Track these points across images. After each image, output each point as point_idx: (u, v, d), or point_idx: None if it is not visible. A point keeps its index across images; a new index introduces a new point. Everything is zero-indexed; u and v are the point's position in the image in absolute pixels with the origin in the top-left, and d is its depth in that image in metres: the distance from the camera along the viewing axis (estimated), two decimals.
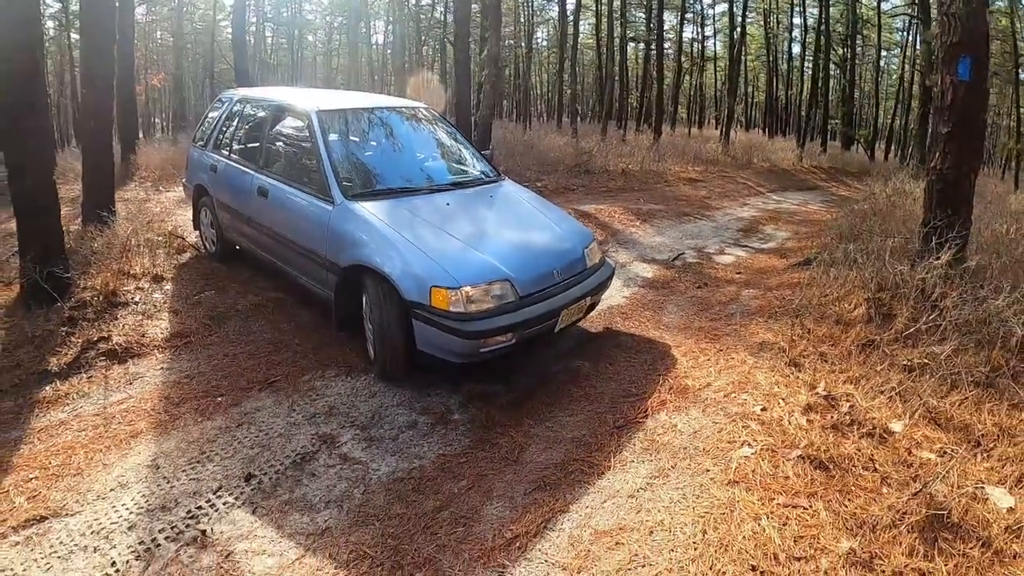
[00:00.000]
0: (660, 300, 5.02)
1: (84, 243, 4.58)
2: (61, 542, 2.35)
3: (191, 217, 5.36)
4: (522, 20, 27.60)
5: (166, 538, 2.36)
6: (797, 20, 24.52)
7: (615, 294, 5.01)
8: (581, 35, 29.90)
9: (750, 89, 32.77)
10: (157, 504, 2.53)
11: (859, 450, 2.69)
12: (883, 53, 24.36)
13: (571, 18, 19.63)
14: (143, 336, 3.74)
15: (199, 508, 2.51)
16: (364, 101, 4.68)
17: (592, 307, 3.88)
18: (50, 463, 2.79)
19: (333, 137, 3.91)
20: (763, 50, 27.97)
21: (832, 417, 2.95)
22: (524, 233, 3.74)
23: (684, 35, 27.83)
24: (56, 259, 3.84)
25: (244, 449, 2.85)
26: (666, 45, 26.52)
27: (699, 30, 28.26)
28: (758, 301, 4.95)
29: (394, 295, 3.17)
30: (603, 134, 17.15)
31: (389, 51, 27.74)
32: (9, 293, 4.06)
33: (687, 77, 30.09)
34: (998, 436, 2.77)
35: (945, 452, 2.67)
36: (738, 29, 19.60)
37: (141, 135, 12.64)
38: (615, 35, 20.38)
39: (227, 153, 4.62)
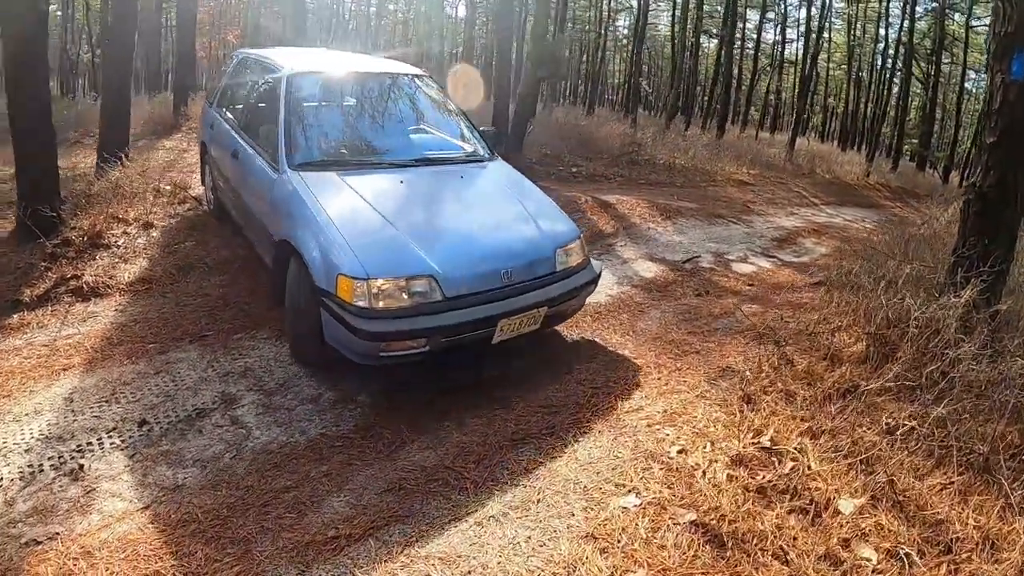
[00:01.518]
0: (647, 304, 4.81)
1: (85, 185, 4.92)
2: None
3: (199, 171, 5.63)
4: (603, 7, 26.98)
5: (51, 465, 2.53)
6: (883, 31, 22.79)
7: (600, 291, 4.83)
8: (662, 27, 28.97)
9: (831, 100, 30.70)
10: (56, 434, 2.71)
11: (779, 528, 2.17)
12: (970, 75, 22.21)
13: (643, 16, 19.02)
14: (111, 278, 3.99)
15: (88, 444, 2.66)
16: (355, 65, 4.48)
17: (560, 316, 3.45)
18: None
19: (302, 101, 3.78)
20: (847, 59, 26.23)
21: (764, 477, 2.44)
22: (479, 223, 3.35)
23: (766, 36, 26.48)
24: (47, 198, 4.15)
25: (151, 396, 2.98)
26: (748, 45, 25.33)
27: (780, 32, 26.76)
28: (754, 319, 4.63)
29: (308, 278, 2.95)
30: (667, 127, 16.62)
31: (463, 25, 27.81)
32: (8, 228, 4.42)
33: (765, 79, 28.62)
34: (977, 544, 2.13)
35: (895, 554, 2.09)
36: (814, 34, 18.39)
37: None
38: (688, 28, 19.58)
39: (222, 112, 4.77)
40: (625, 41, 31.62)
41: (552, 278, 3.24)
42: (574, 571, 2.02)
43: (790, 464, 2.50)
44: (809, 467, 2.48)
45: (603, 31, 26.52)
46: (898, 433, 2.66)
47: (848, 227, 9.31)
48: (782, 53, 26.61)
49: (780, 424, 2.79)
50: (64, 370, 3.17)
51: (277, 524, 2.21)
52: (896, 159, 18.85)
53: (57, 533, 2.19)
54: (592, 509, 2.29)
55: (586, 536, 2.15)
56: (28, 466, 2.53)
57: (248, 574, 2.00)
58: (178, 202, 5.28)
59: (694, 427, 2.83)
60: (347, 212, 3.11)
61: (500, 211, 3.54)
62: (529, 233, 3.35)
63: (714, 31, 22.57)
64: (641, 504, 2.30)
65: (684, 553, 2.08)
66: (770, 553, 2.09)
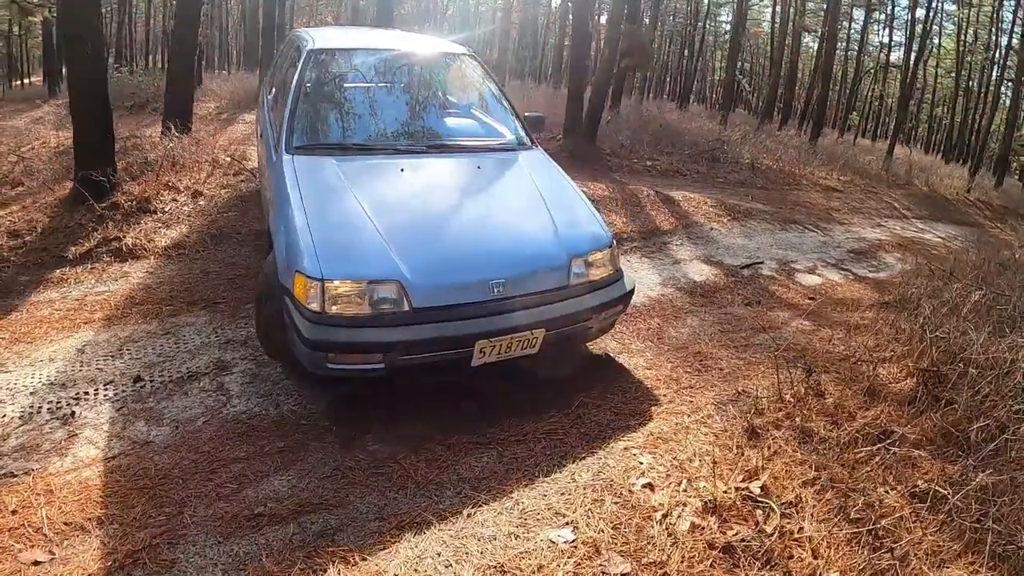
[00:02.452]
0: (686, 309, 4.49)
1: (141, 154, 5.25)
2: None
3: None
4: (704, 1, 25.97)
5: (48, 409, 2.71)
6: (995, 38, 20.43)
7: (638, 292, 4.57)
8: (766, 23, 27.46)
9: (938, 109, 27.88)
10: (61, 381, 2.89)
11: None
12: None
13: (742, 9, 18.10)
14: (150, 242, 4.23)
15: (85, 393, 2.82)
16: (389, 43, 4.18)
17: (572, 339, 3.00)
18: (19, 329, 3.31)
19: (318, 80, 3.59)
20: (956, 67, 23.78)
21: (737, 533, 2.02)
22: (477, 222, 2.95)
23: (872, 38, 24.43)
24: (101, 164, 4.47)
25: (152, 355, 3.12)
26: (852, 46, 23.51)
27: (888, 33, 24.58)
28: (802, 337, 4.20)
29: (274, 270, 2.72)
30: (759, 127, 15.84)
31: (557, 14, 27.56)
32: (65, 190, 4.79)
33: (871, 83, 26.44)
34: None
35: None
36: (919, 37, 16.76)
37: None
38: (789, 25, 18.42)
39: (268, 91, 4.86)
40: (726, 36, 30.41)
41: (562, 294, 2.77)
42: None
43: (776, 521, 2.06)
44: (800, 528, 2.03)
45: (700, 24, 25.52)
46: (927, 499, 2.16)
47: (938, 245, 8.44)
48: (888, 56, 24.55)
49: (782, 468, 2.34)
50: (85, 323, 3.38)
51: (216, 492, 2.23)
52: (1001, 176, 16.99)
53: (33, 469, 2.33)
54: (518, 536, 2.05)
55: (495, 567, 1.92)
56: (29, 407, 2.72)
57: (171, 534, 2.03)
58: (233, 173, 5.53)
59: (676, 458, 2.46)
60: (325, 202, 2.81)
61: (511, 209, 3.11)
62: (539, 237, 2.89)
63: (816, 29, 21.16)
64: (574, 541, 2.01)
65: None
66: None
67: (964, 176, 14.99)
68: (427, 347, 2.50)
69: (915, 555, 1.94)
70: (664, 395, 3.10)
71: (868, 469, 2.33)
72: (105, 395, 2.81)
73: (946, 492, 2.16)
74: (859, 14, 23.35)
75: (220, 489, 2.25)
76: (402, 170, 3.14)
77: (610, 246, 3.01)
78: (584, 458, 2.49)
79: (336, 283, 2.44)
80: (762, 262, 5.92)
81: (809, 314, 4.76)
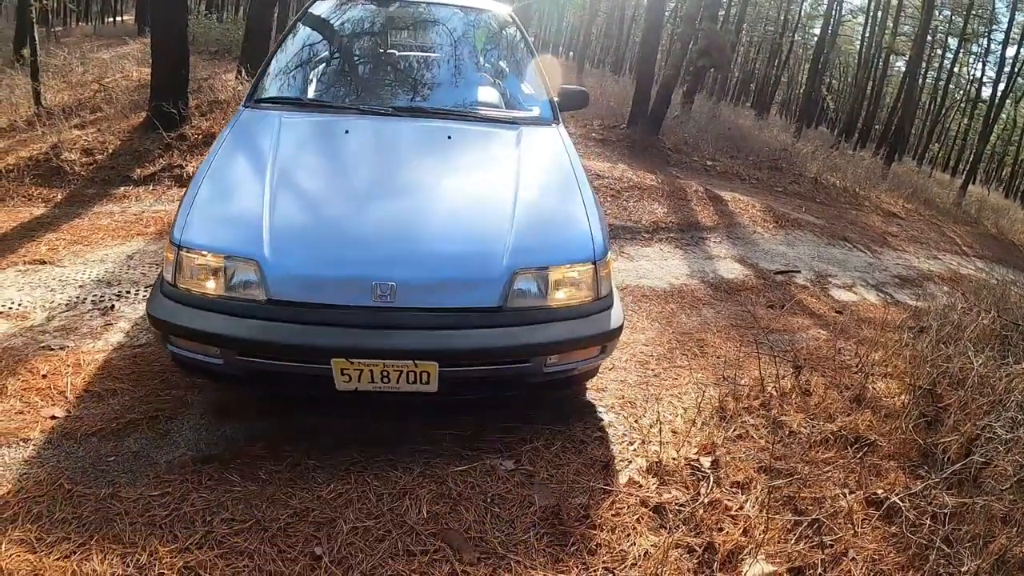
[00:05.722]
0: (705, 301, 4.48)
1: (212, 93, 5.66)
2: (40, 278, 3.21)
3: None
4: (789, 9, 25.09)
5: (91, 300, 3.06)
6: None
7: (662, 279, 4.60)
8: (858, 41, 26.35)
9: None
10: (107, 279, 3.26)
11: (645, 556, 1.82)
12: None
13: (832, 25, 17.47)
14: None
15: (127, 292, 3.16)
16: None
17: (505, 385, 2.20)
18: (79, 233, 3.71)
19: (311, 30, 3.30)
20: None
21: (672, 496, 2.01)
22: (399, 202, 2.29)
23: (966, 71, 22.99)
24: (173, 97, 4.89)
25: None
26: (943, 76, 22.29)
27: (981, 68, 23.09)
28: (812, 343, 4.19)
29: None
30: (835, 145, 15.35)
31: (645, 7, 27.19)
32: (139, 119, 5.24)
33: (957, 115, 24.94)
34: None
35: None
36: (1007, 70, 15.80)
37: None
38: (881, 46, 17.65)
39: None
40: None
41: (487, 317, 2.02)
42: None
43: (716, 494, 2.02)
44: (740, 507, 1.98)
45: (789, 34, 24.73)
46: (882, 509, 2.06)
47: (992, 286, 8.04)
48: (979, 91, 23.16)
49: (741, 450, 2.29)
50: (138, 235, 3.77)
51: (190, 410, 2.35)
52: None
53: (68, 347, 2.66)
54: (463, 457, 2.17)
55: (433, 477, 2.06)
56: (76, 297, 3.08)
57: (172, 411, 2.31)
58: None
59: (638, 421, 2.49)
60: (236, 163, 2.43)
61: (459, 193, 2.39)
62: (474, 235, 2.18)
63: (905, 53, 20.25)
64: (513, 471, 2.11)
65: (509, 535, 1.84)
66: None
67: None
68: (269, 351, 1.97)
69: (851, 558, 1.87)
70: (652, 369, 3.13)
71: (830, 469, 2.27)
72: (144, 296, 3.14)
73: (903, 505, 2.06)
74: (954, 42, 22.21)
75: (189, 410, 2.38)
76: (347, 132, 2.64)
77: (593, 262, 2.16)
78: (550, 408, 2.55)
79: (192, 253, 2.01)
80: (799, 271, 5.79)
81: (829, 325, 4.67)
